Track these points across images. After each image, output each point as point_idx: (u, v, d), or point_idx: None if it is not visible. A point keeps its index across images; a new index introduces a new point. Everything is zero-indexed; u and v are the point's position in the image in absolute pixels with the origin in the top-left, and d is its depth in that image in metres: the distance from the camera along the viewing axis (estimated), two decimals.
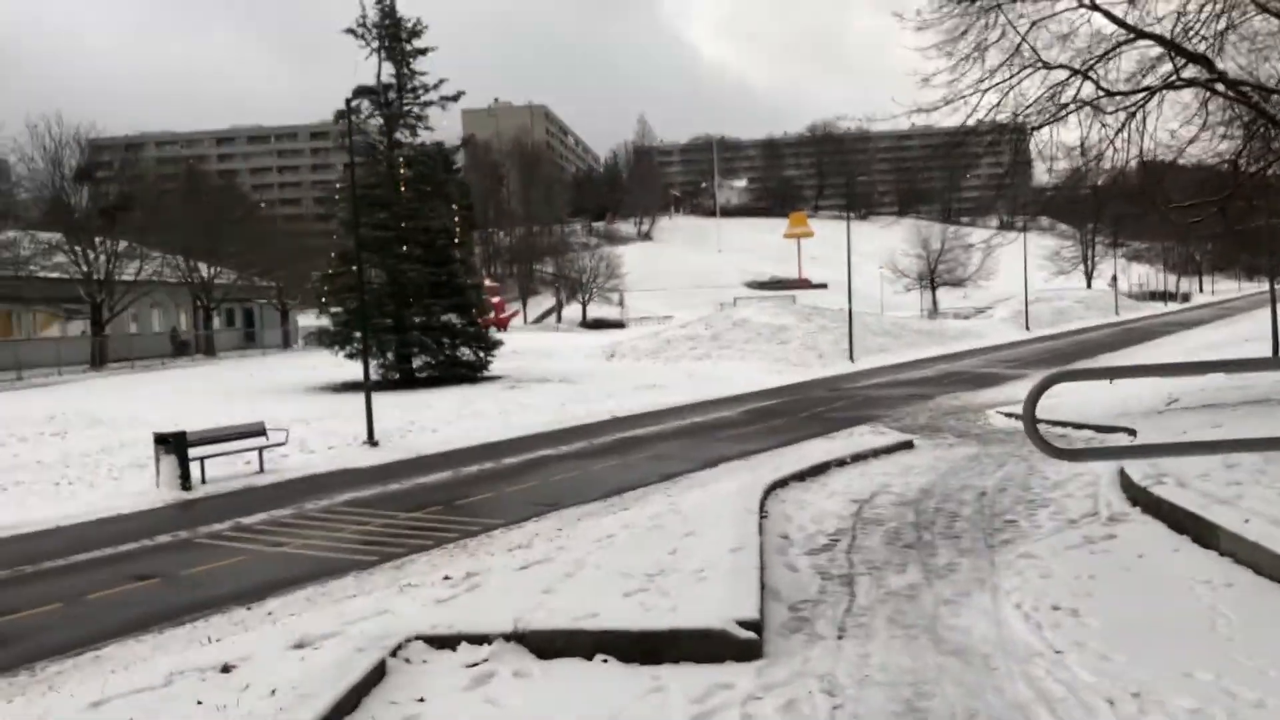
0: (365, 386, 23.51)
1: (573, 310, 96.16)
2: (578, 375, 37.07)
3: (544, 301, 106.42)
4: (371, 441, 22.36)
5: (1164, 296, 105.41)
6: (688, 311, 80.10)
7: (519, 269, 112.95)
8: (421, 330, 36.72)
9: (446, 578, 7.23)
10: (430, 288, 36.50)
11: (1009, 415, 21.93)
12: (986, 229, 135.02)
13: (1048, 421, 19.28)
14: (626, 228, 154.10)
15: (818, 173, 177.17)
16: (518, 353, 46.08)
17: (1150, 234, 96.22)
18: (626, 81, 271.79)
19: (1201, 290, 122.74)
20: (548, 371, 38.74)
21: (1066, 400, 22.83)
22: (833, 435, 20.78)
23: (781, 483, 10.45)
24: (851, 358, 43.50)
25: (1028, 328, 65.11)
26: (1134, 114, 17.16)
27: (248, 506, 16.22)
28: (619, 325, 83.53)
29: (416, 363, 37.35)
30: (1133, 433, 14.47)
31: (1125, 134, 17.25)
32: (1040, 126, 17.17)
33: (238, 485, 18.31)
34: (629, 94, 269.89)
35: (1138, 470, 9.03)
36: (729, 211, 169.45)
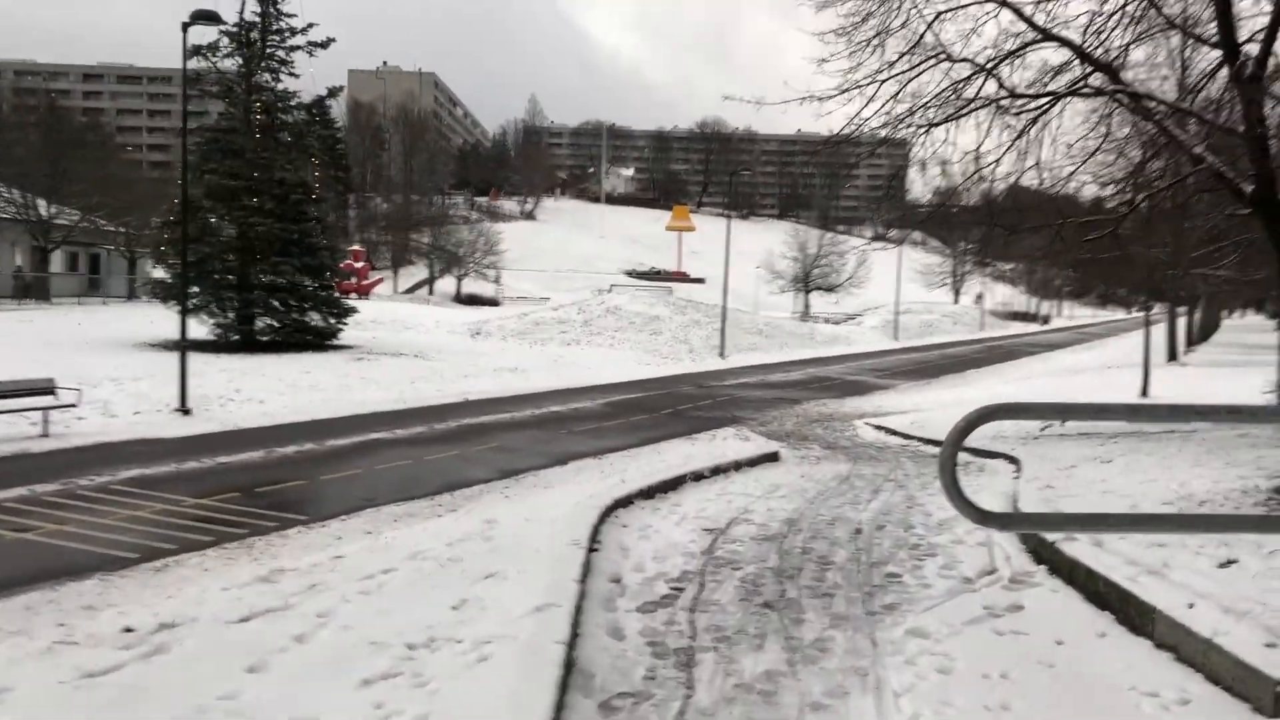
0: (181, 346, 20.88)
1: (447, 284, 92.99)
2: (436, 351, 34.76)
3: (418, 273, 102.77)
4: (184, 409, 19.85)
5: (1025, 317, 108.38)
6: (565, 294, 78.29)
7: (394, 237, 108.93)
8: (267, 290, 33.81)
9: (128, 629, 5.22)
10: (281, 245, 33.61)
11: (878, 428, 20.85)
12: (862, 238, 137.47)
13: (920, 439, 18.21)
14: (510, 205, 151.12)
15: (704, 169, 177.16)
16: (377, 322, 43.43)
17: (1015, 255, 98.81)
18: (521, 60, 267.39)
19: (1060, 314, 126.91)
20: (404, 345, 36.28)
21: (936, 417, 21.91)
22: (695, 437, 19.27)
23: (626, 501, 8.77)
24: (723, 354, 42.35)
25: (896, 338, 65.44)
26: (1036, 119, 16.10)
27: (6, 477, 13.70)
28: (493, 303, 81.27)
29: (260, 325, 34.41)
30: (1014, 461, 13.31)
31: (1024, 141, 16.19)
32: (941, 123, 15.91)
33: (8, 450, 15.67)
34: (523, 72, 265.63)
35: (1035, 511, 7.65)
36: (615, 199, 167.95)
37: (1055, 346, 62.36)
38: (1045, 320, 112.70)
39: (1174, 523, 4.16)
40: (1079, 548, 6.68)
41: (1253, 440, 13.15)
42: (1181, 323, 41.79)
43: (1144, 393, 23.18)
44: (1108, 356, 49.08)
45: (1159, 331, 68.93)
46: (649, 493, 9.31)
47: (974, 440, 16.80)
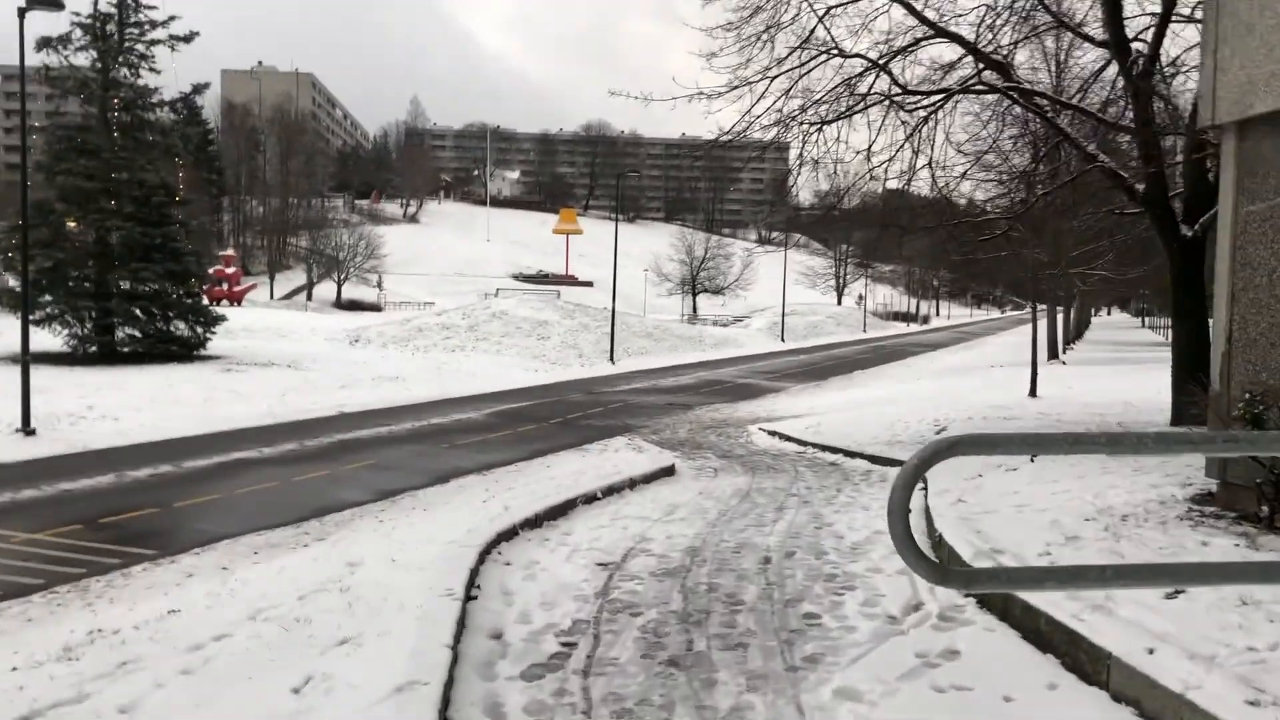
0: (23, 358, 19.07)
1: (327, 290, 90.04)
2: (311, 360, 33.07)
3: (296, 278, 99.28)
4: (27, 429, 18.13)
5: (906, 317, 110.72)
6: (451, 299, 76.48)
7: (270, 242, 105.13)
8: (128, 298, 31.65)
9: None
10: (143, 250, 31.50)
11: (772, 433, 20.33)
12: (747, 241, 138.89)
13: (816, 445, 17.71)
14: (392, 209, 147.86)
15: (591, 172, 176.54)
16: (249, 331, 41.36)
17: (899, 257, 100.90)
18: (402, 61, 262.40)
19: (938, 314, 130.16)
20: (278, 354, 34.45)
21: (831, 421, 21.52)
22: (586, 448, 18.43)
23: (509, 533, 7.85)
24: (612, 359, 41.60)
25: (783, 339, 65.73)
26: (928, 118, 15.77)
27: None
28: (375, 309, 79.19)
29: (120, 335, 32.19)
30: None
31: (916, 140, 15.85)
32: (833, 120, 15.47)
33: None
34: (404, 73, 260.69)
35: (964, 542, 7.03)
36: (500, 202, 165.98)
37: (937, 346, 63.48)
38: (925, 320, 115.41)
39: (1165, 575, 3.52)
40: None
41: None
42: (1058, 321, 42.73)
43: (1033, 392, 23.22)
44: (990, 355, 50.00)
45: (1037, 330, 70.60)
46: (536, 521, 8.40)
47: (866, 442, 16.37)
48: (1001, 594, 5.93)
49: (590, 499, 9.75)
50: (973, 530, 7.49)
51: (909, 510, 3.09)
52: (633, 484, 11.08)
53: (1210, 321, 16.25)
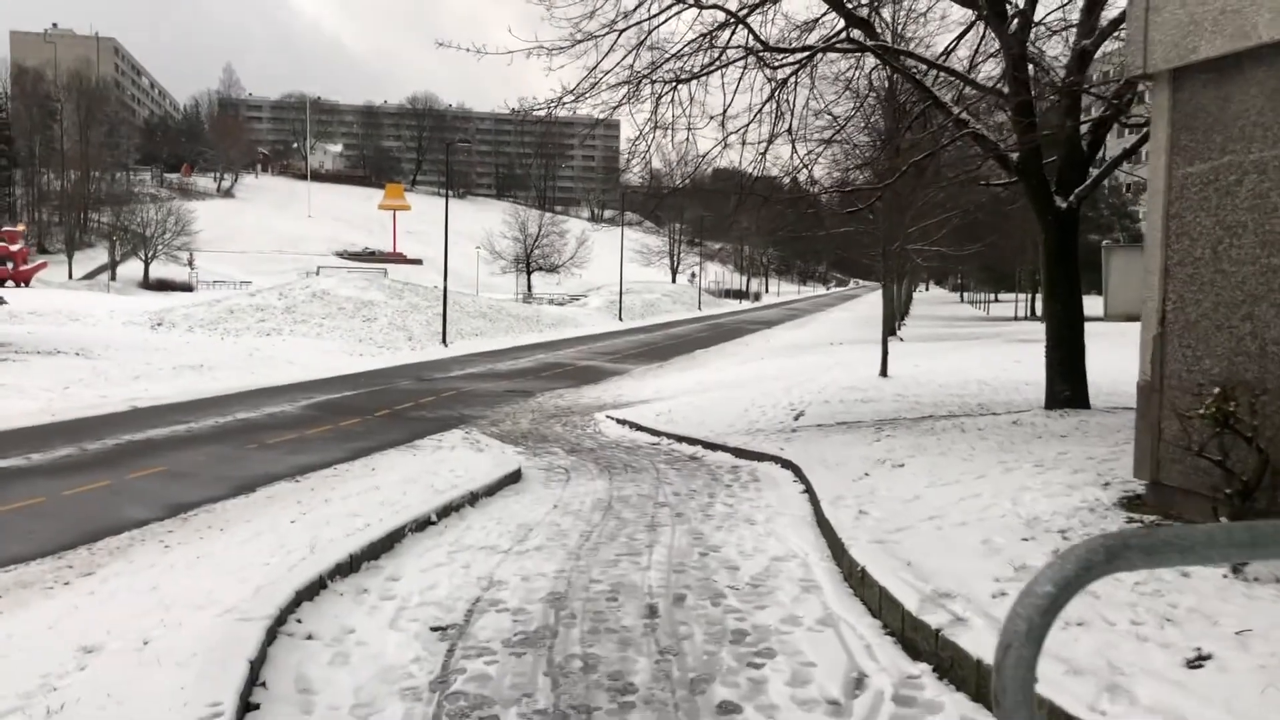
0: None
1: (134, 269, 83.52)
2: (104, 347, 29.59)
3: (99, 256, 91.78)
4: None
5: (739, 295, 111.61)
6: (270, 279, 72.01)
7: (68, 217, 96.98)
8: None
9: None
10: None
11: (622, 421, 18.87)
12: (580, 219, 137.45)
13: (670, 436, 16.32)
14: (205, 183, 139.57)
15: (418, 146, 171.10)
16: (36, 314, 37.09)
17: (726, 235, 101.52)
18: (213, 27, 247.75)
19: (768, 291, 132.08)
20: (66, 340, 30.71)
21: (681, 407, 20.21)
22: (417, 445, 16.49)
23: (317, 585, 5.99)
24: (445, 341, 39.35)
25: (621, 318, 64.58)
26: (790, 78, 14.49)
27: None
28: (187, 289, 73.96)
29: None
30: (791, 466, 11.52)
31: (777, 103, 14.55)
32: (689, 79, 13.96)
33: None
34: (216, 41, 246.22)
35: (898, 580, 5.62)
36: (322, 176, 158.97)
37: (772, 323, 63.58)
38: (757, 297, 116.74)
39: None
40: (980, 638, 4.65)
41: (1036, 431, 12.05)
42: (898, 297, 42.93)
43: (884, 372, 22.54)
44: (825, 333, 50.10)
45: (865, 306, 71.92)
46: (352, 564, 6.56)
47: (723, 432, 15.05)
48: (973, 663, 4.52)
49: (423, 524, 7.93)
50: (898, 560, 6.11)
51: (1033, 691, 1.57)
52: (474, 499, 9.29)
53: (1085, 298, 15.63)
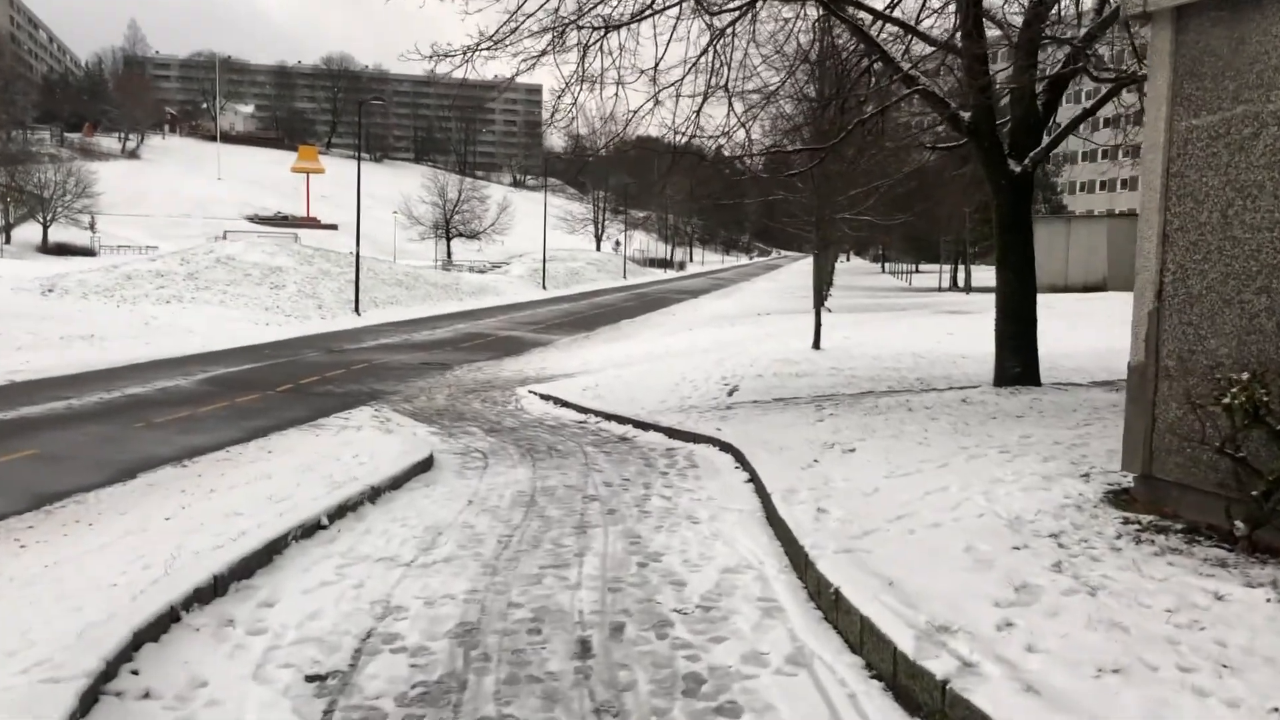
0: None
1: (32, 232, 79.17)
2: None
3: None
4: None
5: (664, 264, 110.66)
6: (177, 243, 68.78)
7: None
8: None
9: None
10: None
11: (545, 397, 17.75)
12: (501, 185, 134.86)
13: (598, 413, 15.26)
14: (109, 143, 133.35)
15: (333, 108, 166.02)
16: None
17: (651, 203, 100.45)
18: None
19: (692, 260, 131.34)
20: None
21: (608, 381, 19.17)
22: (320, 424, 15.19)
23: (166, 619, 4.80)
24: (358, 310, 37.68)
25: (545, 287, 63.19)
26: (725, 30, 13.39)
27: None
28: (89, 253, 70.37)
29: None
30: (731, 450, 10.55)
31: (715, 53, 13.45)
32: (619, 26, 12.79)
33: None
34: None
35: (881, 608, 4.65)
36: (233, 138, 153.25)
37: (698, 293, 62.76)
38: (681, 266, 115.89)
39: None
40: (999, 695, 3.69)
41: (989, 410, 11.25)
42: (830, 267, 42.24)
43: (816, 344, 21.74)
44: (752, 303, 49.41)
45: (789, 276, 71.68)
46: (218, 586, 5.37)
47: (653, 408, 14.01)
48: (981, 717, 3.55)
49: (310, 530, 6.73)
50: (876, 578, 5.14)
51: None
52: (375, 495, 8.09)
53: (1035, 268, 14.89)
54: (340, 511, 7.31)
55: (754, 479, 8.82)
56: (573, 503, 8.21)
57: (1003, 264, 13.04)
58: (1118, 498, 6.83)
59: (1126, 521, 6.21)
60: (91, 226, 79.97)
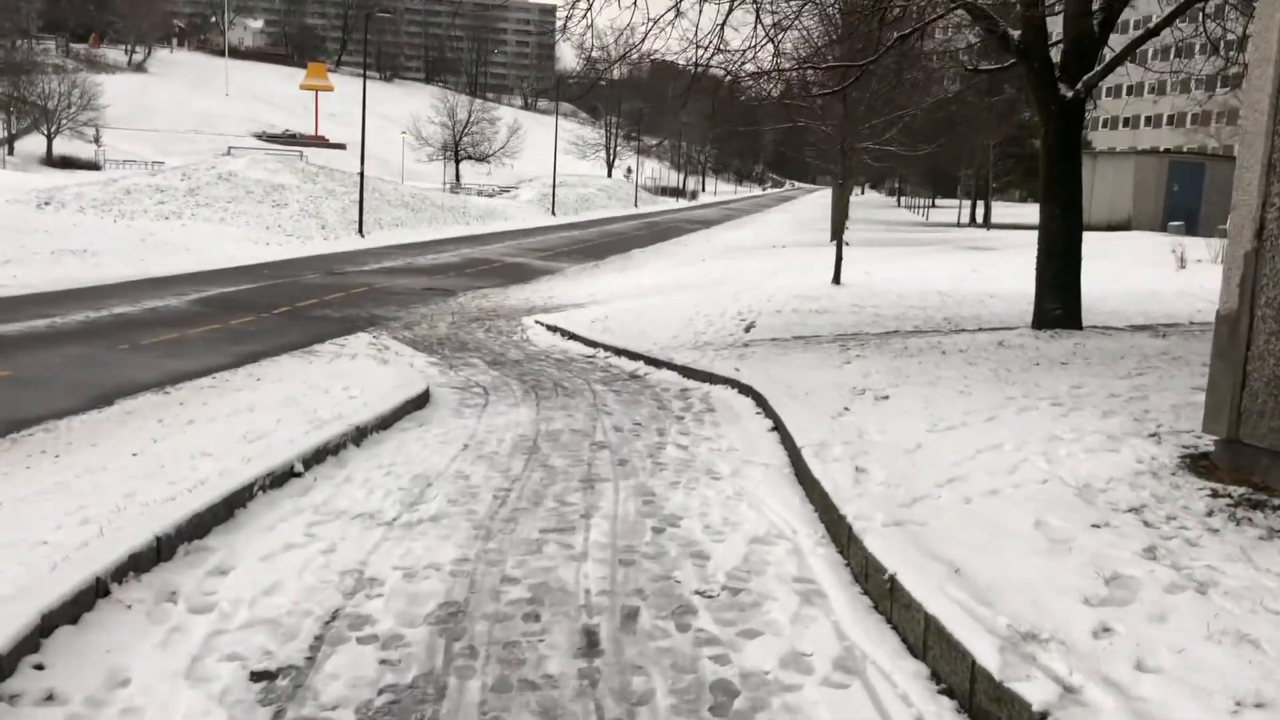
0: None
1: (37, 144, 77.86)
2: None
3: None
4: None
5: (675, 193, 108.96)
6: (184, 159, 67.48)
7: None
8: None
9: None
10: None
11: (553, 328, 16.92)
12: (512, 107, 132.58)
13: (607, 348, 14.42)
14: (116, 55, 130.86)
15: (343, 24, 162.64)
16: None
17: (664, 130, 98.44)
18: None
19: (705, 190, 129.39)
20: None
21: (618, 312, 18.30)
22: (315, 350, 14.41)
23: (91, 593, 4.03)
24: (361, 231, 36.72)
25: (554, 213, 61.97)
26: None
27: None
28: (94, 167, 69.33)
29: None
30: (751, 392, 9.73)
31: None
32: None
33: None
34: None
35: (953, 607, 3.84)
36: (242, 54, 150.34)
37: (710, 223, 61.47)
38: (694, 196, 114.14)
39: None
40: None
41: (1030, 356, 10.38)
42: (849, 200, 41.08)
43: (836, 279, 20.80)
44: (767, 234, 48.24)
45: (804, 208, 70.45)
46: (164, 548, 4.60)
47: (669, 345, 13.09)
48: None
49: (282, 477, 5.93)
50: (938, 562, 4.34)
51: None
52: (360, 436, 7.29)
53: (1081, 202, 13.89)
54: (319, 455, 6.51)
55: (778, 427, 8.00)
56: (579, 450, 7.41)
57: (1050, 197, 12.05)
58: (1195, 463, 6.00)
59: (1215, 494, 5.39)
60: (96, 140, 78.65)
